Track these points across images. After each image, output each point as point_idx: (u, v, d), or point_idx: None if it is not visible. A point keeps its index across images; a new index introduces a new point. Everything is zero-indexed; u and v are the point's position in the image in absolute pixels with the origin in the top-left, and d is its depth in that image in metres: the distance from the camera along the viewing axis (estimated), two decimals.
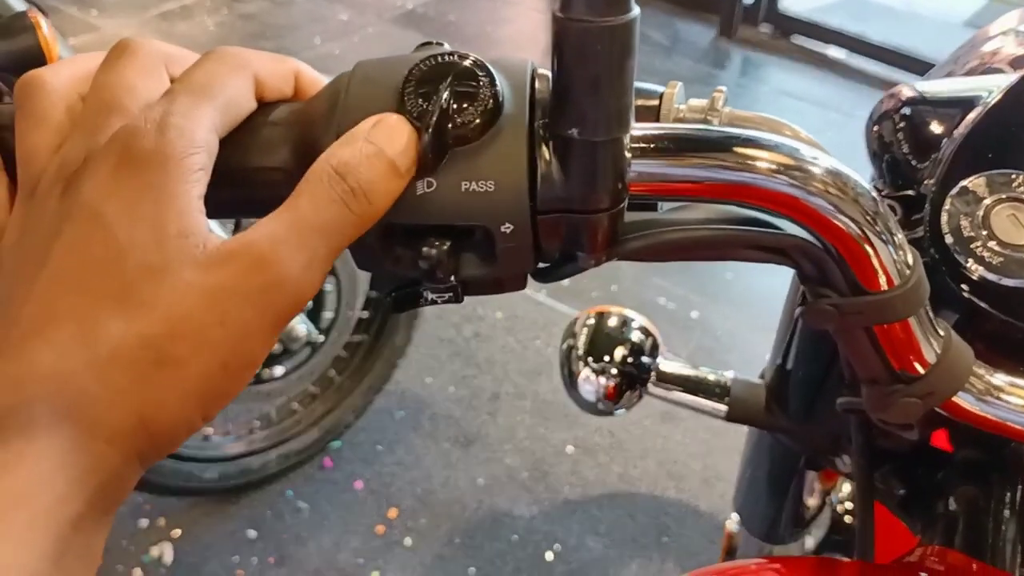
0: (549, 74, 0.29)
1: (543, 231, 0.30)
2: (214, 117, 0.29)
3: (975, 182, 0.40)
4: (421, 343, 1.71)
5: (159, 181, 0.27)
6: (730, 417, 0.67)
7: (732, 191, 0.30)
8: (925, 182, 0.44)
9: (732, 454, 1.56)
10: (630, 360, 0.70)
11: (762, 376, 0.68)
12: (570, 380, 0.71)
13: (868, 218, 0.31)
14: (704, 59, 2.97)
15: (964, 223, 0.39)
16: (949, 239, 0.39)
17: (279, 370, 1.43)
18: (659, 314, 1.90)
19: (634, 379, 0.70)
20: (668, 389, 0.70)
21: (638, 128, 0.30)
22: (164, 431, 0.27)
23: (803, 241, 0.32)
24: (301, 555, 1.43)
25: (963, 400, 0.37)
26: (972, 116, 0.44)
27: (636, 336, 0.71)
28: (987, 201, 0.39)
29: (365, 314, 1.49)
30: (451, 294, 0.32)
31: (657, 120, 0.34)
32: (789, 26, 3.01)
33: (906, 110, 0.47)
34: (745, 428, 0.75)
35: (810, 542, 0.77)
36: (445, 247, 0.30)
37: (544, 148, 0.29)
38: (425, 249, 0.30)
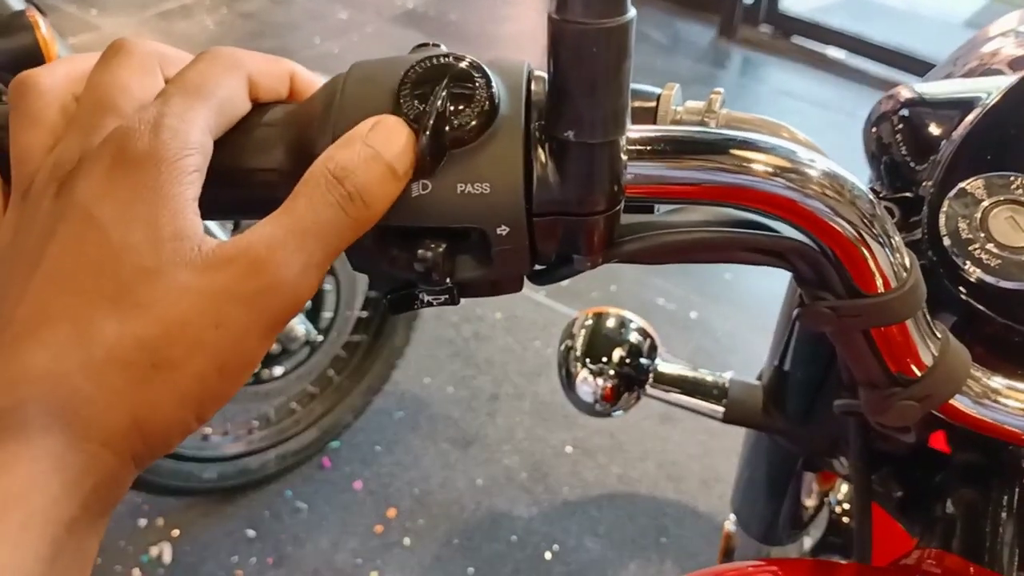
0: (545, 76, 0.29)
1: (539, 233, 0.30)
2: (208, 118, 0.29)
3: (973, 184, 0.40)
4: (420, 343, 1.71)
5: (153, 182, 0.27)
6: (728, 419, 0.67)
7: (729, 193, 0.30)
8: (923, 184, 0.44)
9: (730, 455, 1.56)
10: (628, 361, 0.70)
11: (759, 378, 0.68)
12: (568, 381, 0.71)
13: (865, 221, 0.31)
14: (704, 59, 2.97)
15: (962, 225, 0.39)
16: (947, 241, 0.39)
17: (278, 370, 1.43)
18: (658, 315, 1.90)
19: (632, 380, 0.70)
20: (666, 391, 0.70)
21: (635, 130, 0.30)
22: (158, 433, 0.27)
23: (800, 244, 0.32)
24: (300, 555, 1.43)
25: (960, 403, 0.37)
26: (971, 118, 0.44)
27: (634, 337, 0.71)
28: (985, 203, 0.39)
29: (364, 314, 1.49)
30: (447, 296, 0.32)
31: (654, 122, 0.34)
32: (789, 26, 3.01)
33: (904, 112, 0.47)
34: (743, 430, 0.75)
35: (808, 543, 0.77)
36: (441, 249, 0.29)
37: (540, 150, 0.29)
38: (421, 251, 0.29)
